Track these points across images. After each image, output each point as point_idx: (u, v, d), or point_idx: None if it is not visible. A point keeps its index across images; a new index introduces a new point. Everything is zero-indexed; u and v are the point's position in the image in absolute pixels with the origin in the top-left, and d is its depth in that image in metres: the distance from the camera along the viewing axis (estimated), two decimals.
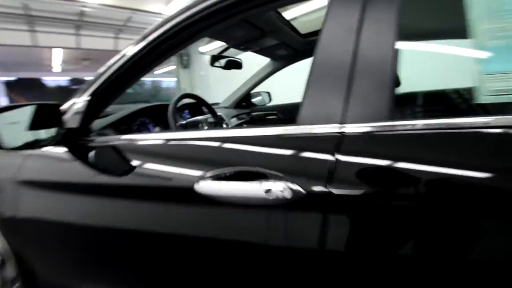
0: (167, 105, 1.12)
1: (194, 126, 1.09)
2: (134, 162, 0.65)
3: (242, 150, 0.55)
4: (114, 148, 0.70)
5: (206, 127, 1.13)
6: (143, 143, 0.69)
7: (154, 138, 0.70)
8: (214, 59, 1.41)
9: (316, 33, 1.55)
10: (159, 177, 0.63)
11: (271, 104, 2.22)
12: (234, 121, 1.82)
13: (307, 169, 0.47)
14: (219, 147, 0.59)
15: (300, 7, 1.70)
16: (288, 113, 2.12)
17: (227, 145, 0.58)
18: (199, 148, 0.61)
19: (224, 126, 1.54)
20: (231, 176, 0.53)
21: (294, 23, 1.43)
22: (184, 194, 0.58)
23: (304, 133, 0.49)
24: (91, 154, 0.72)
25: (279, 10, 1.13)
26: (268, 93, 2.25)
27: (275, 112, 2.14)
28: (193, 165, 0.59)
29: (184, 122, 1.08)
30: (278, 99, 2.28)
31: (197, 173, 0.57)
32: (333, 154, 0.45)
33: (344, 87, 0.47)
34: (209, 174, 0.55)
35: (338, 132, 0.46)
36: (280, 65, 1.83)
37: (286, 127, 0.52)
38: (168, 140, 0.66)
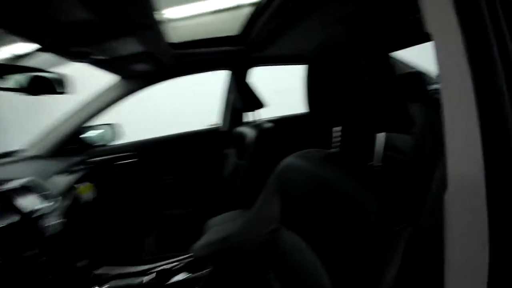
0: None
1: None
2: None
3: None
4: None
5: None
6: None
7: None
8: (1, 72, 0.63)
9: (193, 44, 1.12)
10: None
11: (120, 142, 1.49)
12: (61, 181, 1.03)
13: None
14: None
15: (175, 8, 1.17)
16: (150, 153, 1.50)
17: None
18: None
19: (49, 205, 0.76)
20: None
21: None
22: None
23: None
24: None
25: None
26: (112, 126, 1.48)
27: (131, 153, 1.46)
28: None
29: None
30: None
31: None
32: None
33: None
34: None
35: None
36: (135, 86, 1.23)
37: None
38: None
